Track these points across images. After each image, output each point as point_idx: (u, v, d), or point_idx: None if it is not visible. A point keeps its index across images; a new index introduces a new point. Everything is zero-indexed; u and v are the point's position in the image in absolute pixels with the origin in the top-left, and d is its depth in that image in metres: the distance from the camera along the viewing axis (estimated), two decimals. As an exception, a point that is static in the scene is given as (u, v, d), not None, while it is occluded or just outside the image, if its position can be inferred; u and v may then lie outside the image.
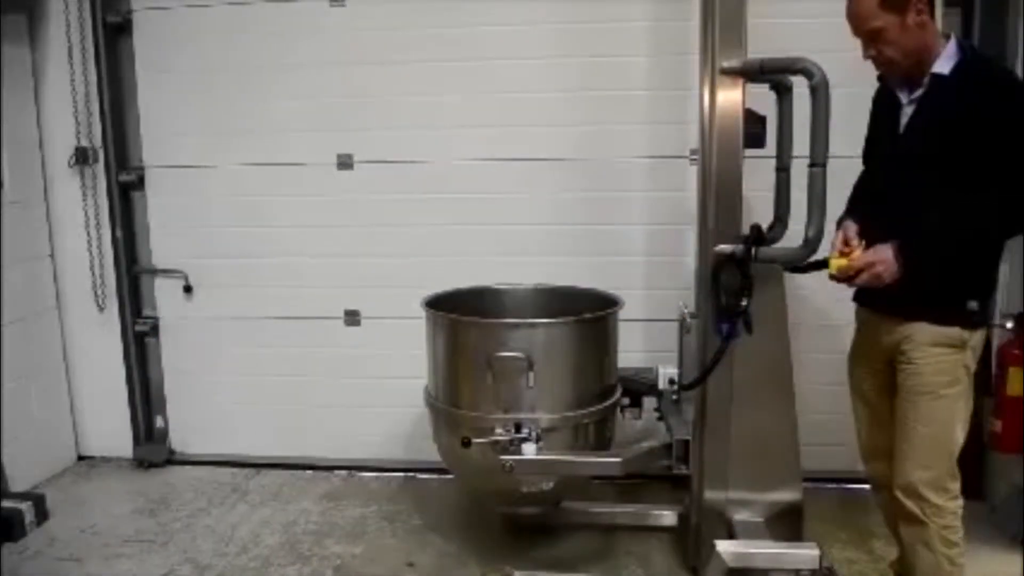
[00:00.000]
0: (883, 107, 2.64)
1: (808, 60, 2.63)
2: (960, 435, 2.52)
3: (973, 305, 2.45)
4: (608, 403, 3.19)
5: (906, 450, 2.53)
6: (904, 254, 2.38)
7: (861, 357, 2.78)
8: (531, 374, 2.93)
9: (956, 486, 2.53)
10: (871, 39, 2.43)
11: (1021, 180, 2.31)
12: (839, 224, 2.64)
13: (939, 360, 2.46)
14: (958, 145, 2.35)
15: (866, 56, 2.48)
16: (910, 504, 2.51)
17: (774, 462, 2.99)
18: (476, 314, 3.22)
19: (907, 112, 2.51)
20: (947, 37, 2.46)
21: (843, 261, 2.46)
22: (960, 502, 2.54)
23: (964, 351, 2.46)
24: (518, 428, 2.93)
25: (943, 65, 2.42)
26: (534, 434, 2.92)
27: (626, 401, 3.37)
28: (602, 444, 3.21)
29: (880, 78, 2.64)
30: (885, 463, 2.71)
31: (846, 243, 2.50)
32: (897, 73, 2.50)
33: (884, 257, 2.40)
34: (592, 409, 3.10)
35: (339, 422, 4.25)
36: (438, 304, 3.27)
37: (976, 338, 2.49)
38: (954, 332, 2.45)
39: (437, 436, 3.30)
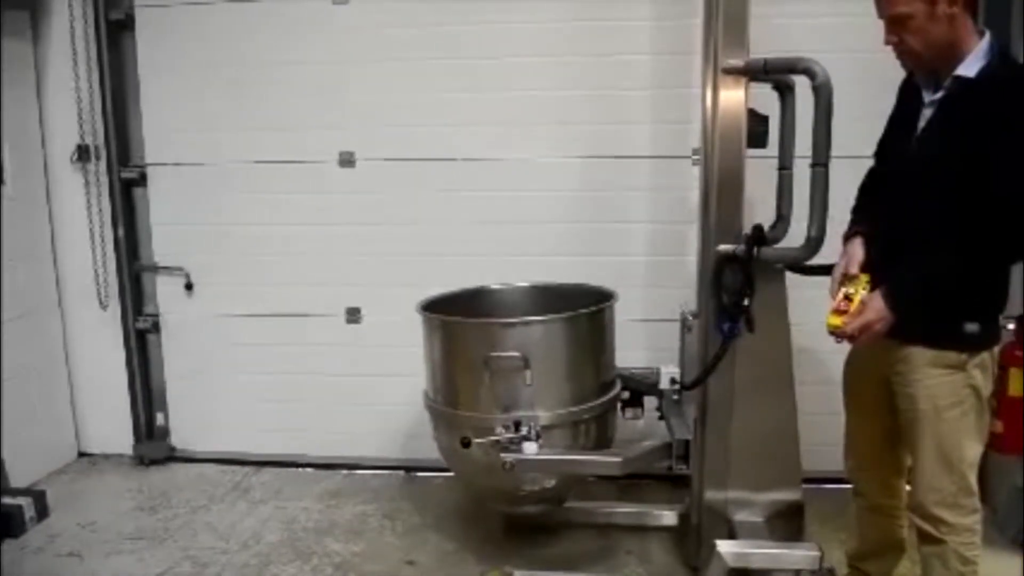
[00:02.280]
0: (906, 101, 2.48)
1: (811, 60, 2.61)
2: (971, 452, 2.41)
3: (972, 328, 2.31)
4: (607, 398, 3.18)
5: (915, 472, 2.47)
6: (894, 300, 2.29)
7: (855, 371, 2.70)
8: (528, 372, 2.92)
9: (971, 501, 2.42)
10: (895, 25, 2.27)
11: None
12: (845, 239, 2.55)
13: (938, 382, 2.36)
14: (972, 159, 2.19)
15: (887, 42, 2.32)
16: (925, 525, 2.44)
17: (775, 462, 2.99)
18: (472, 315, 3.23)
19: (926, 114, 2.36)
20: (981, 35, 2.28)
21: (839, 321, 2.36)
22: (978, 516, 2.44)
23: (965, 372, 2.34)
24: (517, 427, 2.93)
25: (969, 67, 2.24)
26: (534, 432, 2.92)
27: (626, 395, 3.36)
28: (603, 440, 3.20)
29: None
30: (864, 471, 2.75)
31: (846, 297, 2.38)
32: (918, 67, 2.36)
33: (878, 314, 2.30)
34: (591, 404, 3.09)
35: (340, 420, 4.25)
36: (434, 307, 3.26)
37: (980, 358, 2.35)
38: (951, 355, 2.33)
39: (437, 437, 3.30)
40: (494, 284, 3.61)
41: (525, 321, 3.12)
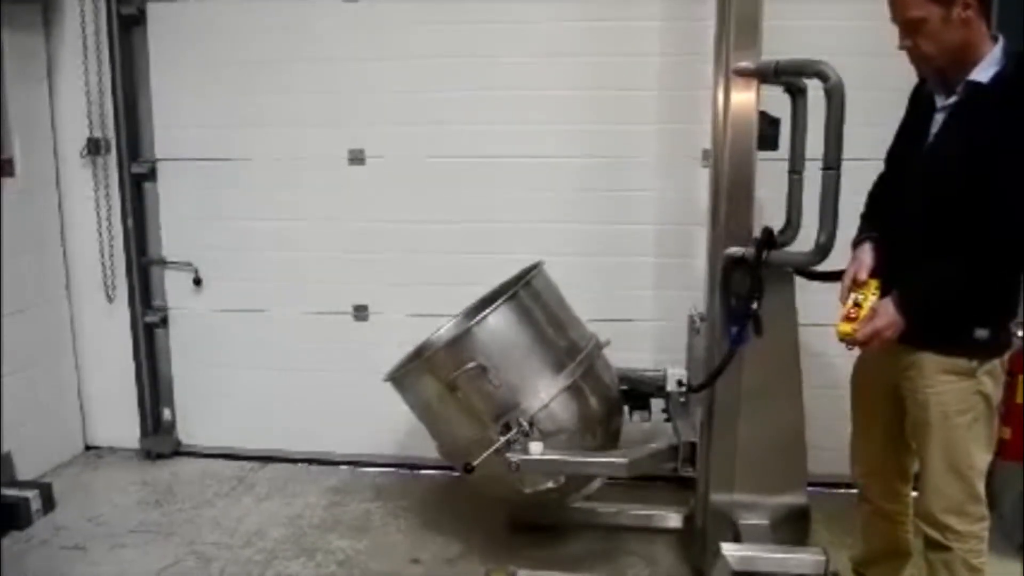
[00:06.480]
0: (918, 106, 2.48)
1: (824, 62, 2.59)
2: (980, 459, 2.40)
3: (982, 334, 2.31)
4: (586, 351, 3.15)
5: (923, 479, 2.47)
6: (905, 305, 2.28)
7: (864, 377, 2.70)
8: (490, 376, 2.92)
9: (979, 509, 2.42)
10: (909, 29, 2.26)
11: None
12: (855, 245, 2.54)
13: (948, 389, 2.35)
14: (983, 165, 2.18)
15: (901, 46, 2.31)
16: (932, 531, 2.44)
17: (781, 465, 2.98)
18: None
19: (938, 120, 2.34)
20: (995, 39, 2.27)
21: (849, 328, 2.36)
22: (985, 524, 2.44)
23: (975, 378, 2.33)
24: (508, 428, 2.93)
25: (983, 72, 2.23)
26: (526, 424, 2.92)
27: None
28: (606, 389, 3.20)
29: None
30: (870, 477, 2.76)
31: (856, 303, 2.37)
32: (932, 71, 2.34)
33: (889, 320, 2.29)
34: (572, 365, 3.07)
35: (346, 416, 4.25)
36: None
37: (990, 365, 2.34)
38: (961, 362, 2.33)
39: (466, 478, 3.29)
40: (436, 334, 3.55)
41: (461, 334, 3.08)
